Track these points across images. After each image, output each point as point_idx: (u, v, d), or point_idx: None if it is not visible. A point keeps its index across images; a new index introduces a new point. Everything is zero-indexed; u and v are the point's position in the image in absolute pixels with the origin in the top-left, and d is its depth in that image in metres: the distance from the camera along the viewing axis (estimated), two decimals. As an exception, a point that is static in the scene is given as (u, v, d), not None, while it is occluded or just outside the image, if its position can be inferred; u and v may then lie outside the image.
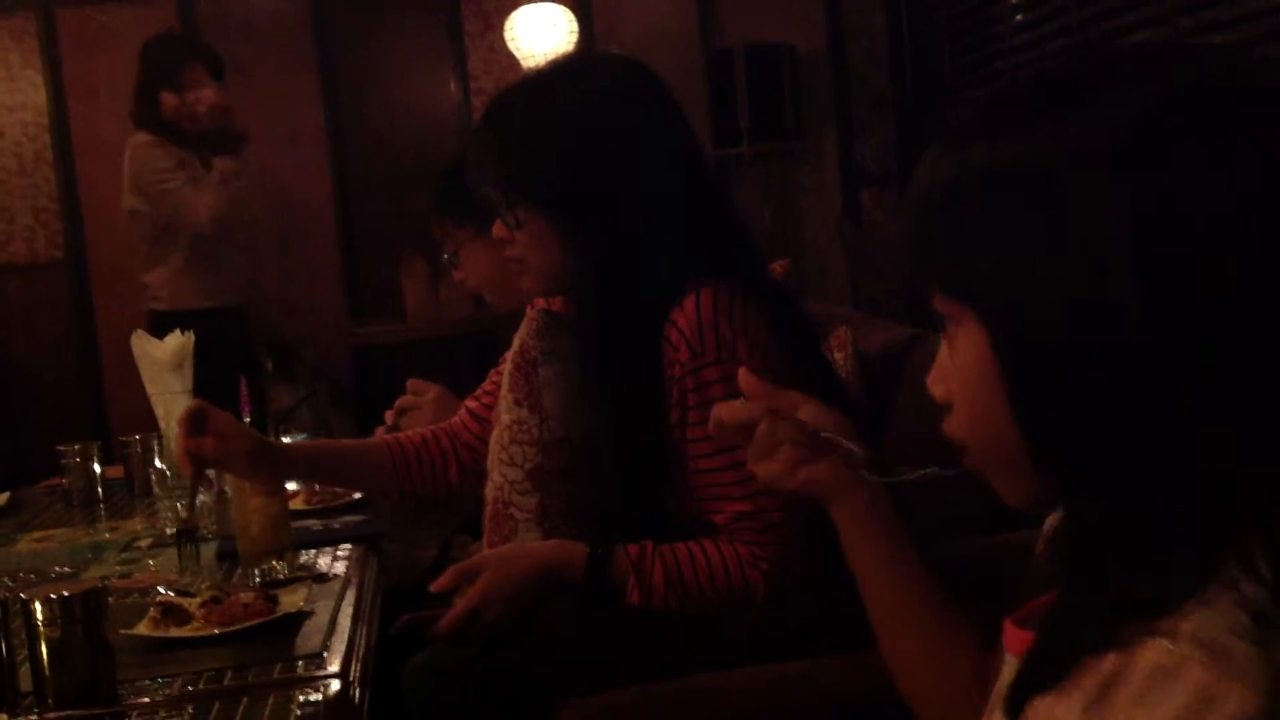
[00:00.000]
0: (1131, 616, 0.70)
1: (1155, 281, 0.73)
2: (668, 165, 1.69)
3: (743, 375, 1.16)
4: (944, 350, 0.88)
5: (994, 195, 0.79)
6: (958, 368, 0.85)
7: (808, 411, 1.12)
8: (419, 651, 1.69)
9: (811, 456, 1.11)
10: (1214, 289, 0.72)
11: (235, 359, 3.54)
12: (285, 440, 2.40)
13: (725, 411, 1.14)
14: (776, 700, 1.54)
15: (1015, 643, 0.88)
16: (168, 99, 3.93)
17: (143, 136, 4.00)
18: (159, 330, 2.53)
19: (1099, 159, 0.75)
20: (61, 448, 2.52)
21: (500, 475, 1.81)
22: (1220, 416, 0.73)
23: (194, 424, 1.77)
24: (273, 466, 1.85)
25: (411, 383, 2.51)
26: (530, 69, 1.86)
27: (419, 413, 2.42)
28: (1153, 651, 0.69)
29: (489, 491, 1.85)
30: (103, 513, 2.42)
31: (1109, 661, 0.70)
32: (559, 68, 1.78)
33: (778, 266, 1.91)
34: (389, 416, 2.46)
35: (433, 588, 1.66)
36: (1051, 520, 0.98)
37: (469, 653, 1.64)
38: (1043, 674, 0.75)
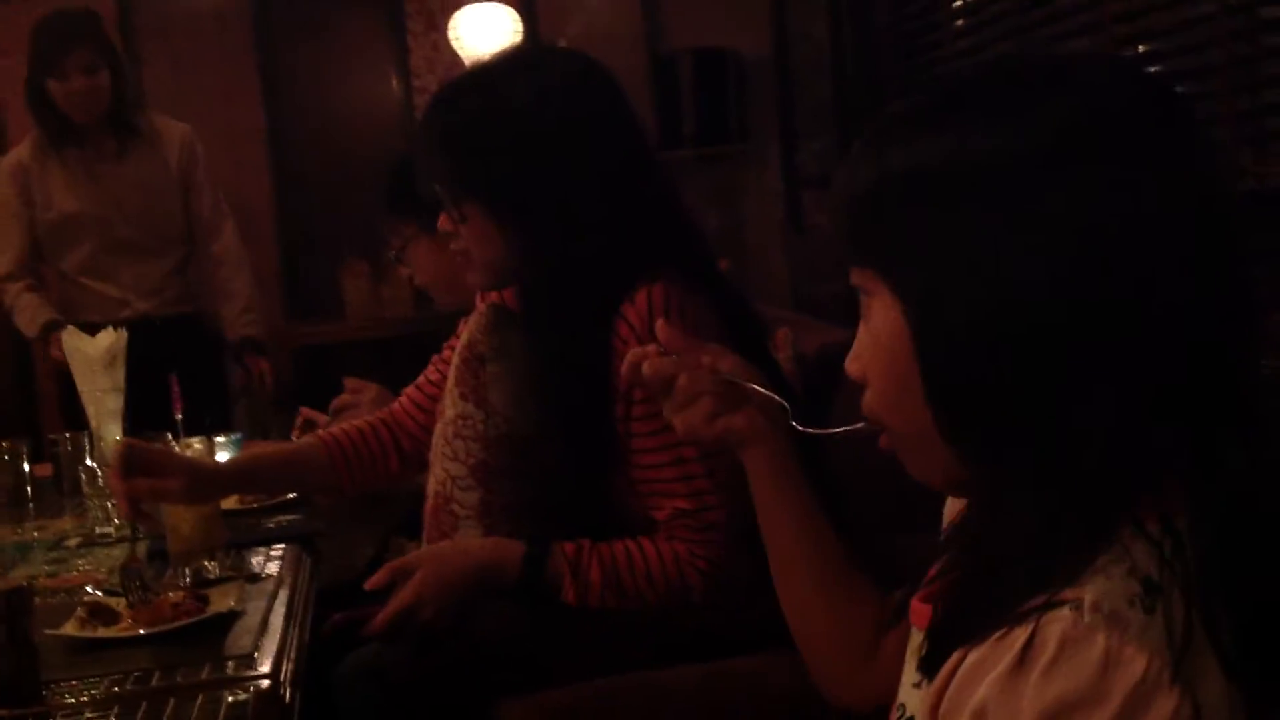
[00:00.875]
0: (1038, 589, 0.76)
1: (1061, 275, 0.79)
2: (615, 161, 1.68)
3: (660, 328, 1.19)
4: (862, 330, 0.92)
5: (911, 192, 0.84)
6: (872, 341, 0.90)
7: (728, 364, 1.17)
8: (352, 651, 1.67)
9: (729, 407, 1.16)
10: (1113, 285, 0.79)
11: (174, 360, 3.27)
12: (219, 440, 2.36)
13: (648, 367, 1.17)
14: (714, 698, 1.54)
15: (921, 617, 0.93)
16: (54, 88, 3.50)
17: (16, 155, 3.65)
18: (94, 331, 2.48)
19: (1008, 164, 0.81)
20: (-11, 445, 2.47)
21: (443, 469, 1.80)
22: (1115, 390, 0.79)
23: (126, 465, 1.74)
24: (210, 491, 1.84)
25: (349, 381, 2.48)
26: (477, 62, 1.83)
27: (356, 411, 2.39)
28: (1061, 623, 0.74)
29: (430, 486, 1.83)
30: (31, 512, 2.38)
31: (1021, 632, 0.75)
32: (505, 61, 1.77)
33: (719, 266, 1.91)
34: (317, 416, 2.44)
35: (367, 586, 1.65)
36: (951, 509, 1.04)
37: (403, 652, 1.62)
38: (957, 633, 0.80)
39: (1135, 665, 0.72)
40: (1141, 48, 2.89)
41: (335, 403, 2.47)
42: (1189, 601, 0.75)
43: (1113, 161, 0.79)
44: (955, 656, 0.80)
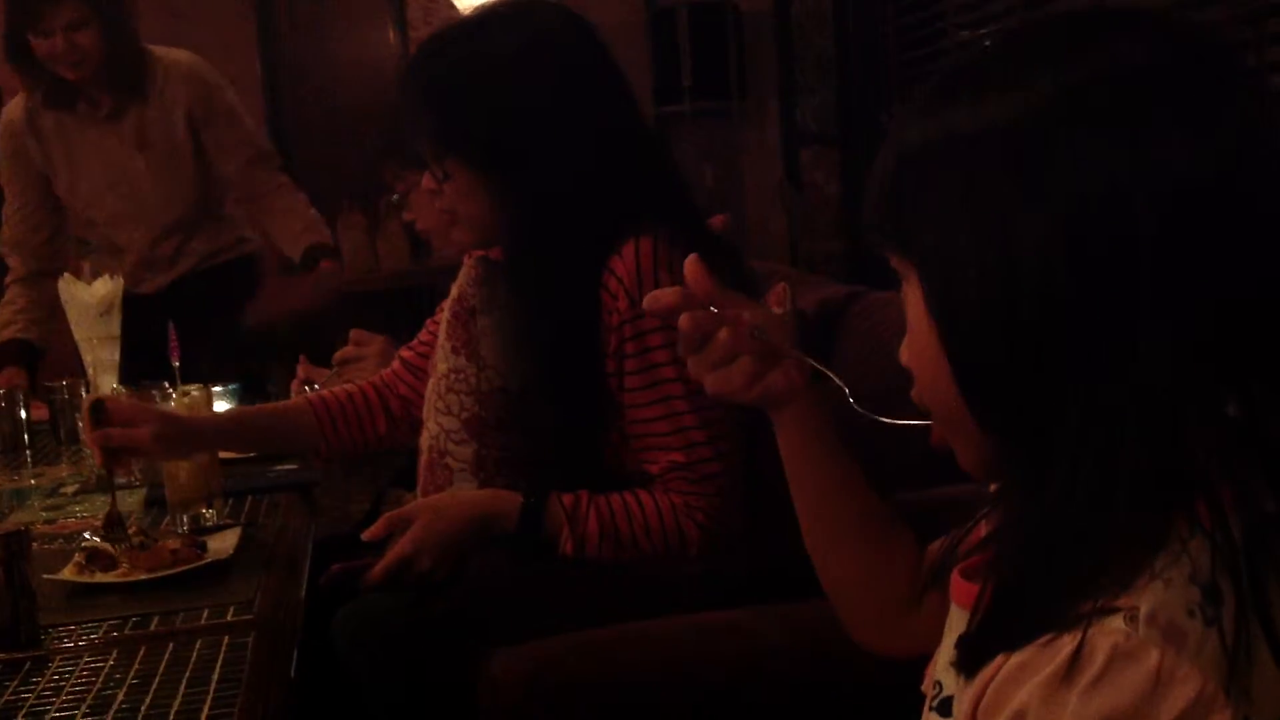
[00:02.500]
0: (1089, 594, 0.72)
1: (1072, 251, 0.75)
2: (600, 114, 1.67)
3: (691, 269, 1.10)
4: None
5: (927, 165, 0.81)
6: (910, 328, 0.86)
7: (761, 320, 1.10)
8: (350, 601, 1.68)
9: (767, 367, 1.09)
10: (1125, 260, 0.74)
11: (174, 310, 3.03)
12: (216, 389, 2.36)
13: (687, 319, 1.09)
14: (705, 649, 1.55)
15: (962, 594, 0.89)
16: (37, 45, 3.02)
17: (14, 106, 3.21)
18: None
19: (1009, 131, 0.77)
20: (-15, 392, 2.47)
21: (436, 424, 1.80)
22: (1150, 366, 0.74)
23: (94, 416, 1.73)
24: (187, 443, 1.80)
25: (354, 333, 2.46)
26: (458, 17, 1.82)
27: (362, 364, 2.38)
28: (1112, 635, 0.70)
29: (424, 440, 1.83)
30: (28, 459, 2.38)
31: (1070, 639, 0.71)
32: (487, 15, 1.75)
33: (718, 220, 1.90)
34: (316, 374, 2.42)
35: (365, 536, 1.65)
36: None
37: (400, 602, 1.63)
38: (1000, 637, 0.76)
39: (1188, 686, 0.68)
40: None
41: (339, 355, 2.45)
42: (1240, 594, 0.71)
43: (1125, 121, 0.75)
44: (998, 660, 0.75)
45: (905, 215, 0.83)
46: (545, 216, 1.65)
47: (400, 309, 4.99)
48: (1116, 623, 0.70)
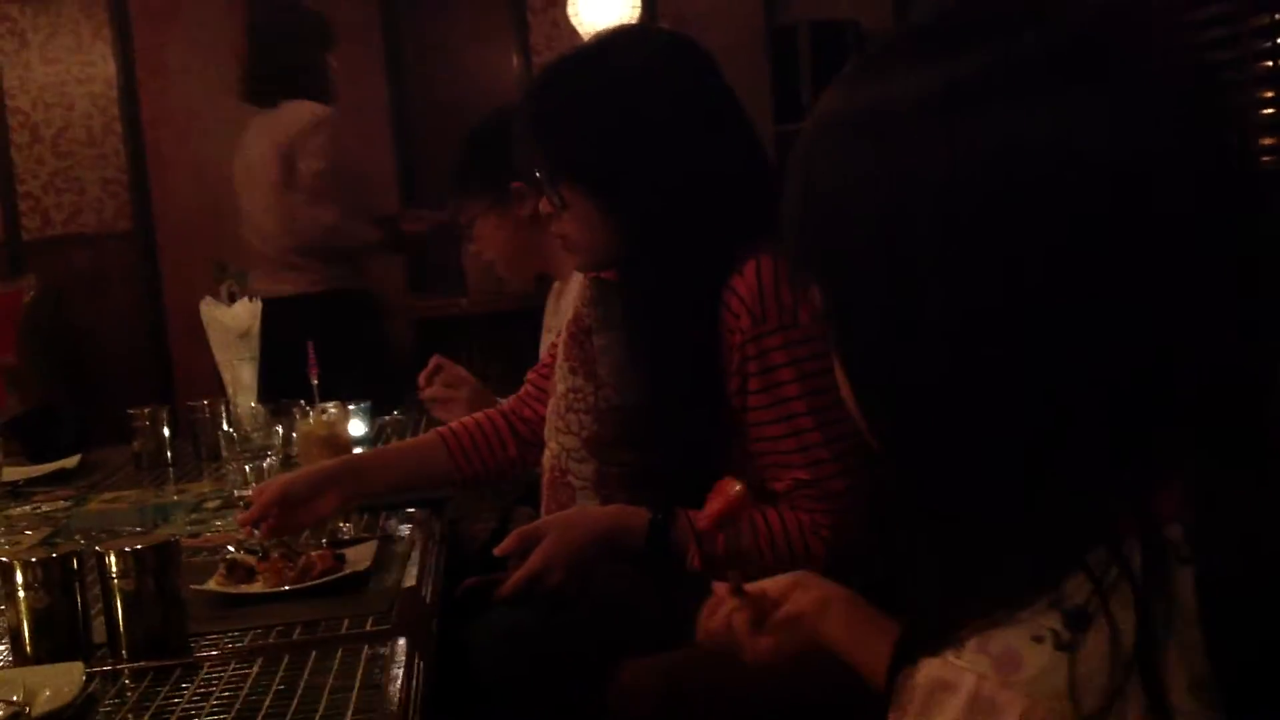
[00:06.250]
0: (956, 627, 0.67)
1: (960, 267, 0.69)
2: (714, 141, 1.68)
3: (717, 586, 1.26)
4: None
5: (833, 144, 0.79)
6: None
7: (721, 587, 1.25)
8: (483, 615, 1.71)
9: (764, 608, 1.21)
10: (1016, 268, 0.68)
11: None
12: (352, 408, 2.41)
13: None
14: (825, 661, 1.55)
15: None
16: (330, 60, 4.07)
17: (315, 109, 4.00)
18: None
19: (903, 127, 0.72)
20: (132, 411, 2.56)
21: (557, 443, 1.82)
22: (1035, 405, 0.69)
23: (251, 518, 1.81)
24: (319, 492, 1.83)
25: (445, 376, 2.41)
26: (574, 45, 1.85)
27: (451, 406, 2.37)
28: (933, 666, 0.66)
29: (546, 460, 1.86)
30: (171, 475, 2.46)
31: (908, 674, 0.68)
32: (603, 44, 1.78)
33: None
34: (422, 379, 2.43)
35: (497, 551, 1.68)
36: None
37: (532, 615, 1.66)
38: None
39: (1009, 713, 0.63)
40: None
41: (428, 392, 2.41)
42: (1114, 630, 0.64)
43: (1045, 97, 0.68)
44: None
45: (802, 239, 0.78)
46: (661, 240, 1.67)
47: (524, 333, 5.04)
48: (942, 655, 0.66)
